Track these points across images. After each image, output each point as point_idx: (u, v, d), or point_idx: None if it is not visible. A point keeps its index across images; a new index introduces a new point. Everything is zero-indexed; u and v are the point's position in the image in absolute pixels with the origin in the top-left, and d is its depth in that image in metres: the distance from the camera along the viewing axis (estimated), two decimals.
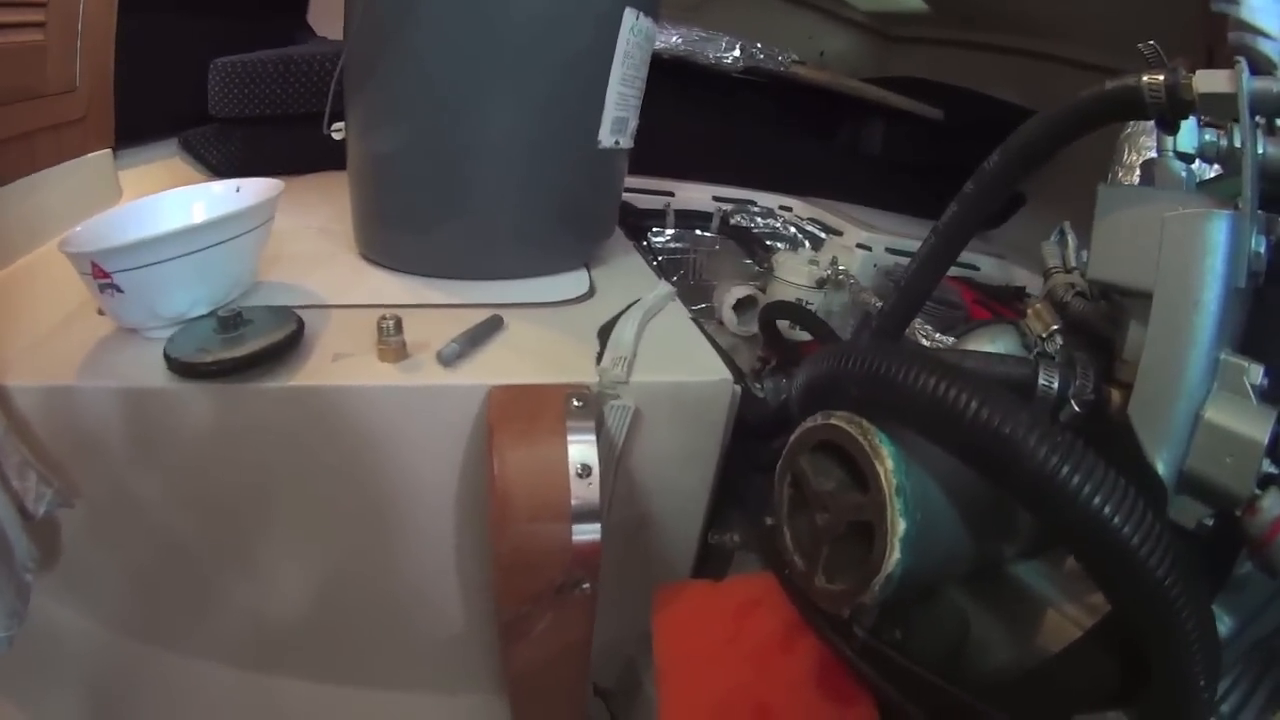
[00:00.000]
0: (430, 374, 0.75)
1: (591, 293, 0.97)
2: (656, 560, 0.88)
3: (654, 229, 1.36)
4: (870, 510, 0.60)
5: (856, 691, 0.63)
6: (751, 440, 0.87)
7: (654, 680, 0.67)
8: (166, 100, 1.29)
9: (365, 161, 0.94)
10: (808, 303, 1.18)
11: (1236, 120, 0.52)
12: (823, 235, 1.37)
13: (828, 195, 1.44)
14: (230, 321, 0.75)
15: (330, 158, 0.99)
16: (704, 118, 1.46)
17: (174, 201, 0.85)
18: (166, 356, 0.70)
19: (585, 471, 0.69)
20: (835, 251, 1.29)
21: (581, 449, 0.70)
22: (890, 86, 1.52)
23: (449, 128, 0.87)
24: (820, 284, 1.24)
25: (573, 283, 0.98)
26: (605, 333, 0.83)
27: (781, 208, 1.42)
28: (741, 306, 1.24)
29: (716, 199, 1.42)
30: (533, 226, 0.95)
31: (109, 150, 1.11)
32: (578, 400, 0.72)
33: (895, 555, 0.58)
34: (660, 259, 1.22)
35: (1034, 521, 0.69)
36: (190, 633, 0.85)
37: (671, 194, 1.40)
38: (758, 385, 0.98)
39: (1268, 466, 0.47)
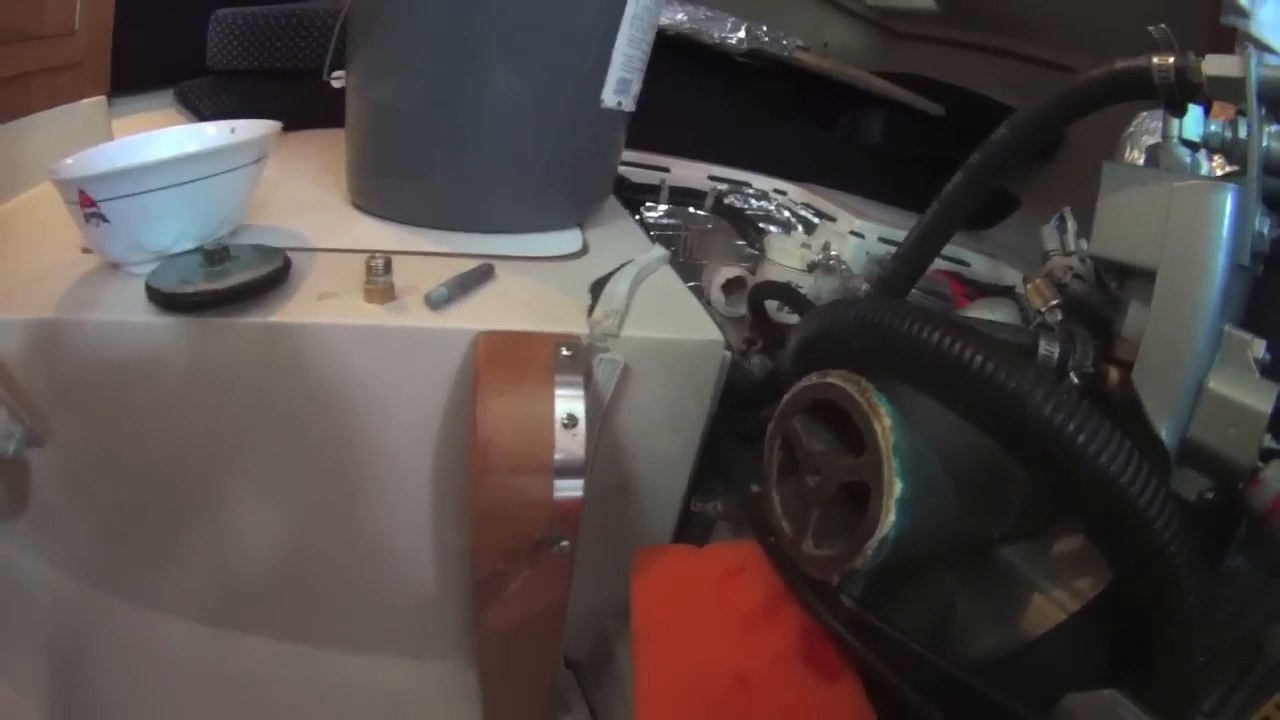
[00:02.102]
0: (417, 316, 0.72)
1: (585, 251, 0.94)
2: (636, 526, 0.85)
3: (647, 204, 1.33)
4: (866, 471, 0.57)
5: (841, 665, 0.60)
6: (738, 409, 0.83)
7: (629, 646, 0.63)
8: (165, 51, 1.25)
9: (364, 109, 0.91)
10: (798, 286, 1.15)
11: (1243, 106, 0.52)
12: (816, 220, 1.35)
13: (824, 182, 1.41)
14: (216, 255, 0.72)
15: (327, 115, 0.96)
16: (704, 97, 1.43)
17: (167, 138, 0.82)
18: (148, 287, 0.67)
19: (571, 422, 0.66)
20: (828, 237, 1.27)
21: (568, 400, 0.67)
22: (892, 81, 1.49)
23: (451, 78, 0.84)
24: (811, 268, 1.22)
25: (566, 240, 0.95)
26: (598, 288, 0.80)
27: (776, 191, 1.40)
28: (730, 287, 1.22)
29: (712, 178, 1.39)
30: (529, 181, 0.92)
31: (104, 97, 1.08)
32: (567, 350, 0.69)
33: (890, 517, 0.55)
34: (652, 234, 1.19)
35: (1026, 501, 0.66)
36: (157, 584, 0.81)
37: (667, 170, 1.37)
38: (745, 363, 0.95)
39: (1269, 441, 0.47)
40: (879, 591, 0.62)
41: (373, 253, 0.72)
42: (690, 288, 0.91)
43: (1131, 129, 0.78)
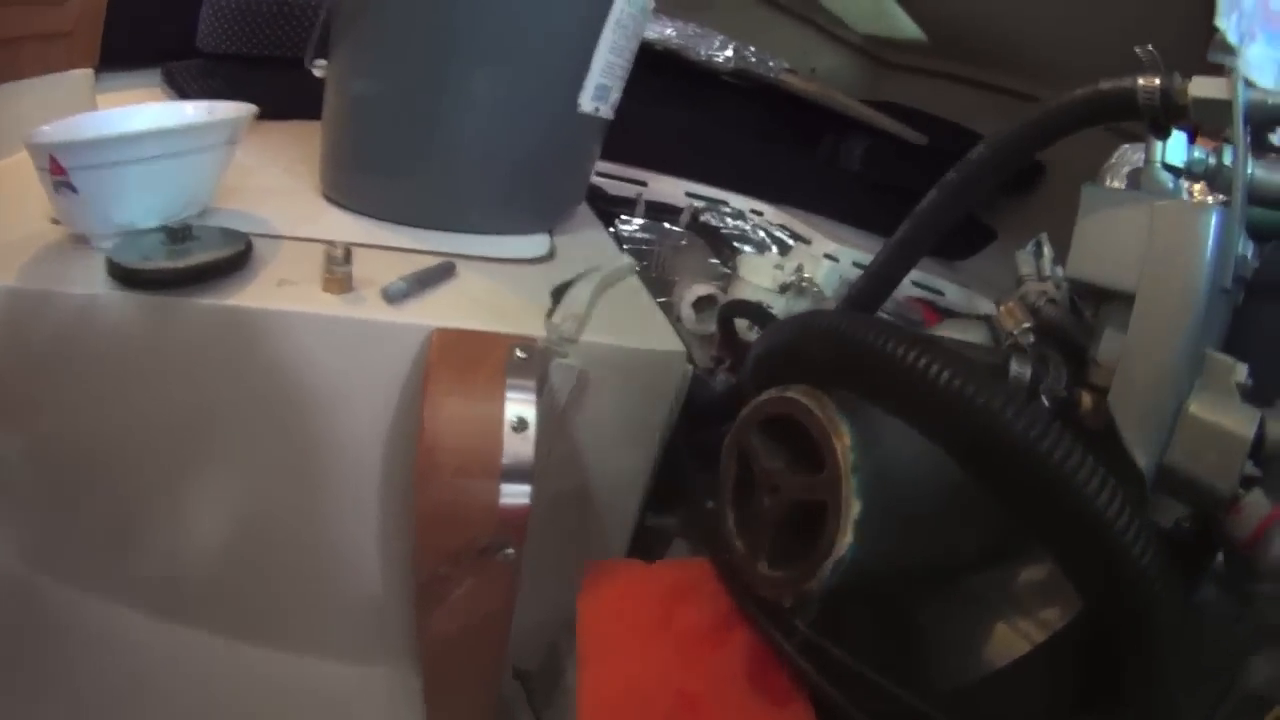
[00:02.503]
0: (373, 309, 0.70)
1: (551, 256, 0.90)
2: (589, 539, 0.81)
3: (622, 217, 1.31)
4: (823, 489, 0.54)
5: (791, 691, 0.57)
6: (697, 424, 0.81)
7: (577, 663, 0.59)
8: (156, 30, 1.21)
9: (340, 100, 0.89)
10: (769, 306, 1.13)
11: (1228, 131, 0.50)
12: (791, 242, 1.32)
13: (802, 205, 1.39)
14: (178, 234, 0.70)
15: (313, 106, 0.93)
16: (687, 113, 1.41)
17: (145, 114, 0.80)
18: (109, 262, 0.66)
19: (521, 426, 0.62)
20: (802, 259, 1.24)
21: (520, 403, 0.63)
22: (877, 110, 1.47)
23: (428, 75, 0.82)
24: (783, 289, 1.19)
25: (533, 244, 0.91)
26: (560, 292, 0.77)
27: (753, 211, 1.38)
28: (701, 305, 1.19)
29: (689, 195, 1.37)
30: (500, 182, 0.89)
31: (91, 71, 1.05)
32: (522, 351, 0.65)
33: (847, 539, 0.52)
34: (625, 248, 1.16)
35: (992, 528, 0.63)
36: (103, 570, 0.77)
37: (644, 184, 1.35)
38: (709, 379, 0.92)
39: (1249, 468, 0.45)
40: (834, 616, 0.58)
41: (333, 242, 0.70)
42: (660, 304, 0.88)
43: (1112, 160, 0.77)
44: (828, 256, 1.23)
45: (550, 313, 0.73)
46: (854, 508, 0.52)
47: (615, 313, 0.80)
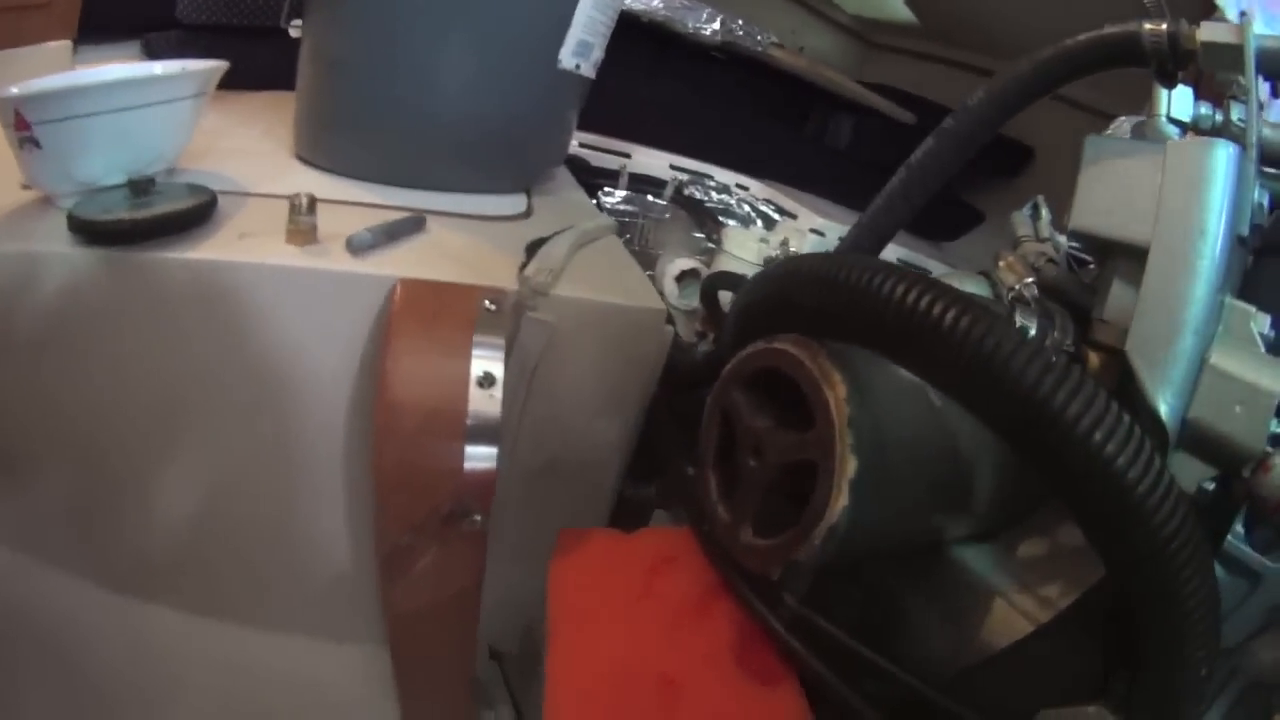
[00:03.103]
0: (337, 260, 0.64)
1: (528, 214, 0.85)
2: (566, 510, 0.76)
3: (605, 188, 1.26)
4: (814, 447, 0.49)
5: (779, 669, 0.52)
6: (678, 389, 0.76)
7: (547, 638, 0.54)
8: (136, 1, 1.15)
9: (314, 57, 0.85)
10: None
11: (1233, 87, 0.49)
12: (777, 217, 1.28)
13: (788, 181, 1.35)
14: (141, 187, 0.67)
15: (293, 75, 0.89)
16: (672, 86, 1.35)
17: (115, 71, 0.76)
18: (69, 216, 0.62)
19: (487, 381, 0.57)
20: (787, 233, 1.19)
21: (487, 358, 0.58)
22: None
23: (403, 28, 0.77)
24: (768, 263, 1.13)
25: (510, 203, 0.86)
26: (535, 247, 0.71)
27: (738, 185, 1.33)
28: (684, 279, 1.14)
29: (674, 167, 1.31)
30: (477, 139, 0.84)
31: (69, 42, 1.02)
32: (491, 303, 0.59)
33: (842, 501, 0.47)
34: None
35: (991, 496, 0.58)
36: (64, 542, 0.72)
37: (629, 156, 1.29)
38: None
39: (1276, 426, 0.41)
40: (818, 592, 0.53)
41: (297, 193, 0.65)
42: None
43: (1109, 131, 0.72)
44: (814, 231, 1.19)
45: (524, 266, 0.67)
46: (850, 466, 0.47)
47: (593, 269, 0.74)
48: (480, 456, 0.58)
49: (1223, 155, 0.44)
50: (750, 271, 1.11)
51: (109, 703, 0.76)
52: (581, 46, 0.85)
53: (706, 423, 0.57)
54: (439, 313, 0.59)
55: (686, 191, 1.30)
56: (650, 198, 1.30)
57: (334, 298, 0.64)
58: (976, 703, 0.45)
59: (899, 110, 1.38)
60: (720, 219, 1.30)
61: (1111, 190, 0.48)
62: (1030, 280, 0.59)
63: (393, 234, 0.67)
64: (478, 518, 0.59)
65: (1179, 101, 0.52)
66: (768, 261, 1.13)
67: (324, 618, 0.77)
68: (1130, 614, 0.40)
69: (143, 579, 0.73)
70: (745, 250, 1.14)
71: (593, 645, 0.53)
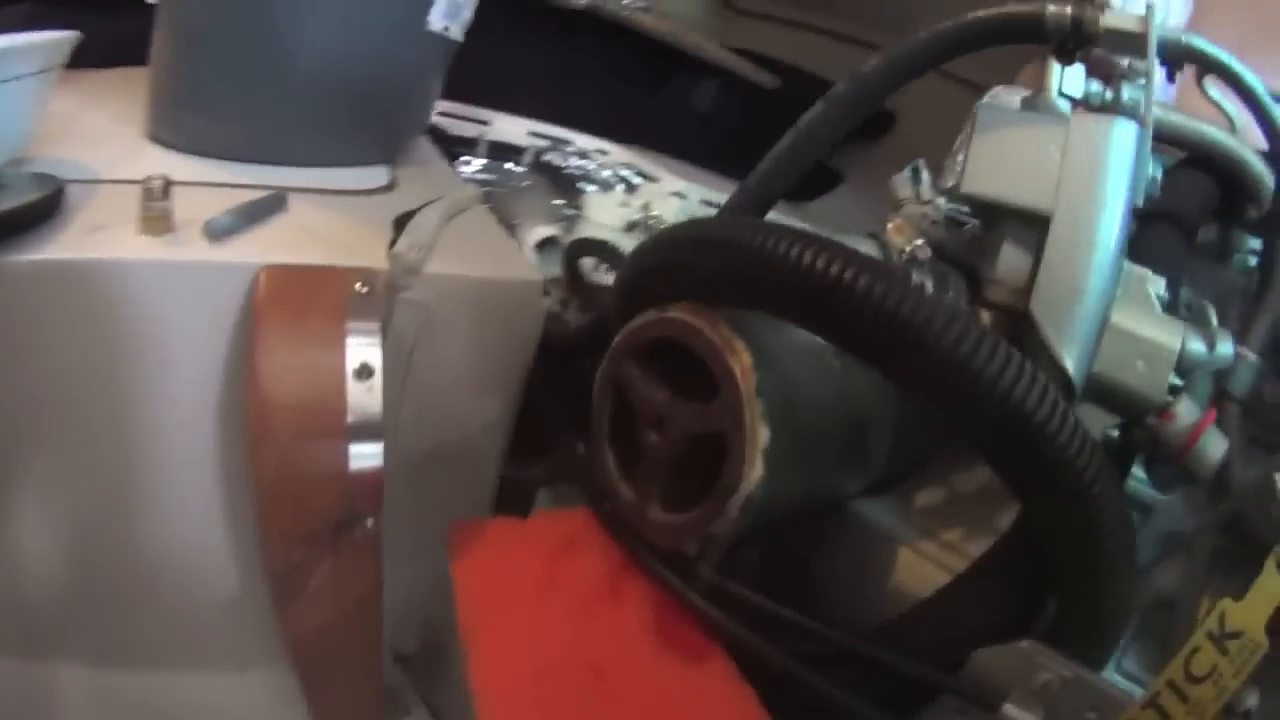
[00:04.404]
0: (194, 249, 0.56)
1: (392, 187, 0.76)
2: (450, 499, 0.69)
3: (463, 158, 1.16)
4: (721, 418, 0.45)
5: (703, 644, 0.49)
6: (554, 364, 0.71)
7: (462, 638, 0.50)
8: None
9: (168, 27, 0.73)
10: (616, 246, 1.02)
11: (1121, 67, 0.49)
12: (638, 180, 1.22)
13: (648, 145, 1.29)
14: None
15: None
16: (533, 50, 1.28)
17: None
18: None
19: (365, 373, 0.50)
20: (650, 197, 1.15)
21: (363, 346, 0.51)
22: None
23: None
24: (630, 227, 1.11)
25: (373, 176, 0.77)
26: (403, 222, 0.64)
27: (598, 150, 1.25)
28: (544, 247, 1.08)
29: (533, 134, 1.23)
30: (337, 107, 0.73)
31: None
32: (362, 285, 0.52)
33: (757, 471, 0.45)
34: None
35: (886, 451, 0.57)
36: None
37: (487, 123, 1.20)
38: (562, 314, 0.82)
39: (1173, 379, 0.44)
40: (724, 559, 0.51)
41: (150, 177, 0.56)
42: None
43: (986, 100, 0.76)
44: (676, 195, 1.15)
45: (393, 243, 0.59)
46: (761, 435, 0.45)
47: (464, 242, 0.68)
48: (365, 455, 0.51)
49: (1124, 131, 0.46)
50: (613, 237, 1.07)
51: None
52: (452, 7, 0.77)
53: (598, 397, 0.53)
54: (308, 301, 0.52)
55: (545, 158, 1.23)
56: (508, 165, 1.22)
57: (194, 291, 0.56)
58: (907, 653, 0.45)
59: (762, 74, 1.36)
60: (580, 185, 1.24)
61: (1005, 157, 0.49)
62: (920, 242, 0.58)
63: (253, 215, 0.59)
64: (370, 521, 0.53)
65: (1070, 78, 0.53)
66: (630, 226, 1.11)
67: (218, 646, 0.68)
68: (1053, 553, 0.42)
69: (21, 640, 0.62)
70: (607, 215, 1.11)
71: (511, 644, 0.48)
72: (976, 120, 0.51)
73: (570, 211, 1.19)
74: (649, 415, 0.49)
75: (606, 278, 0.99)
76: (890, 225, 0.62)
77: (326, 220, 0.63)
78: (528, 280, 0.66)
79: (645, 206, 1.10)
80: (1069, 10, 0.46)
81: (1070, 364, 0.43)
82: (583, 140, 1.25)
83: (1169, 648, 0.45)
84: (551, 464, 0.66)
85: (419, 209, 0.65)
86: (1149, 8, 0.46)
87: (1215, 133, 0.58)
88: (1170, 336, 0.43)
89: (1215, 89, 0.54)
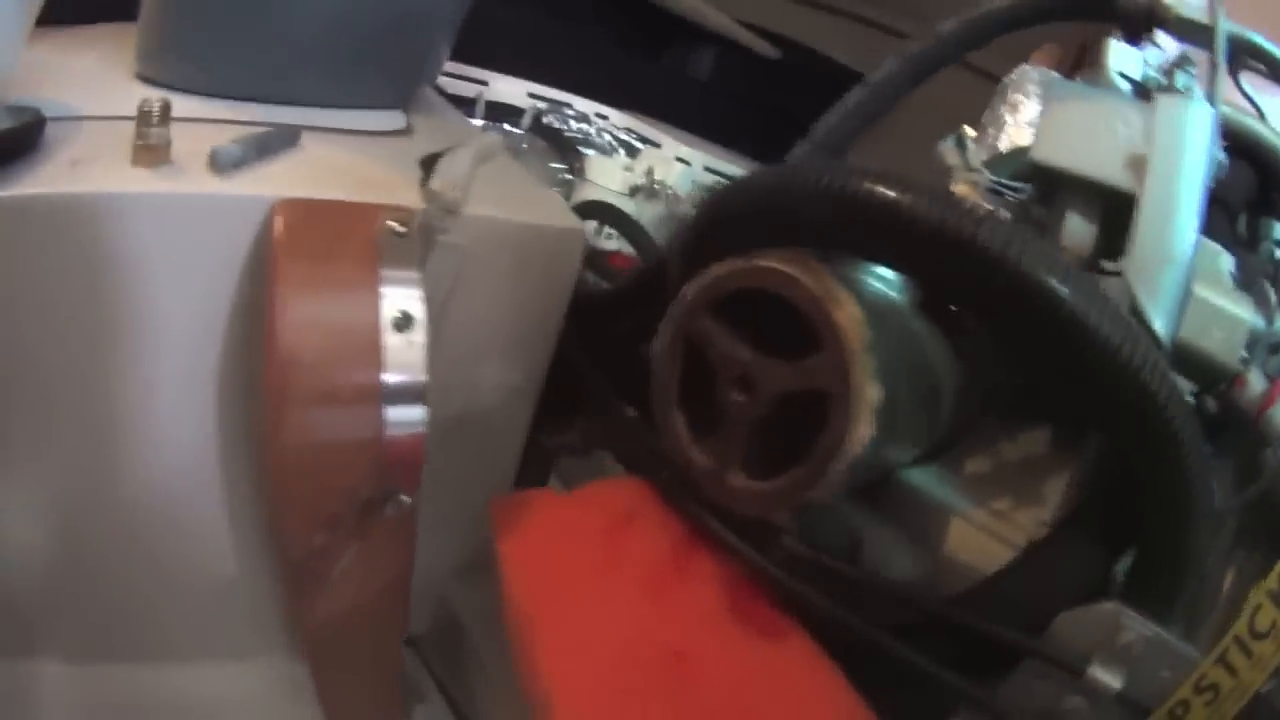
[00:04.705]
0: (198, 181, 0.48)
1: (409, 132, 0.69)
2: (471, 471, 0.62)
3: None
4: (824, 374, 0.41)
5: (780, 620, 0.45)
6: (585, 323, 0.66)
7: (514, 624, 0.45)
8: None
9: None
10: (622, 210, 0.99)
11: (1204, 47, 0.52)
12: (639, 145, 1.19)
13: (646, 112, 1.26)
14: None
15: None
16: (531, 10, 1.24)
17: None
18: None
19: (406, 323, 0.43)
20: (653, 162, 1.11)
21: (402, 294, 0.43)
22: None
23: None
24: (633, 192, 1.06)
25: (387, 119, 0.69)
26: (430, 163, 0.57)
27: (598, 115, 1.23)
28: None
29: (532, 95, 1.19)
30: (349, 44, 0.65)
31: None
32: (399, 226, 0.45)
33: (867, 431, 0.40)
34: None
35: (948, 418, 0.54)
36: None
37: (485, 83, 1.15)
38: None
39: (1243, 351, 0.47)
40: None
41: (147, 99, 0.48)
42: None
43: (1013, 77, 0.75)
44: (679, 160, 1.11)
45: (425, 181, 0.52)
46: (872, 392, 0.40)
47: (498, 187, 0.61)
48: (405, 420, 0.45)
49: (1204, 114, 0.47)
50: (615, 201, 1.03)
51: None
52: None
53: (666, 355, 0.48)
54: (334, 241, 0.45)
55: (545, 120, 1.18)
56: (507, 127, 1.16)
57: (197, 230, 0.48)
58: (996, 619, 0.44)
59: (762, 44, 1.31)
60: (580, 149, 1.18)
61: (1077, 129, 0.49)
62: (992, 209, 0.56)
63: (263, 148, 0.51)
64: (405, 499, 0.46)
65: (1128, 60, 0.56)
66: (633, 190, 1.07)
67: (217, 635, 0.62)
68: (1145, 509, 0.43)
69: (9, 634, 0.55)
70: (609, 179, 1.06)
71: (578, 628, 0.44)
72: (1047, 93, 0.53)
73: (567, 176, 1.14)
74: (732, 373, 0.44)
75: (608, 243, 0.97)
76: (957, 191, 0.60)
77: (344, 159, 0.56)
78: (570, 228, 0.60)
79: (648, 171, 1.06)
80: None
81: (1160, 327, 0.43)
82: (582, 104, 1.22)
83: (1194, 618, 0.47)
84: (588, 430, 0.60)
85: (446, 151, 0.58)
86: (1213, 2, 0.50)
87: (1255, 124, 0.61)
88: (1243, 309, 0.45)
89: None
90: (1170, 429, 0.39)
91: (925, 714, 0.45)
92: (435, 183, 0.51)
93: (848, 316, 0.40)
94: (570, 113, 1.22)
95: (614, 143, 1.22)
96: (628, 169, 1.07)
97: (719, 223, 0.48)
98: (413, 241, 0.47)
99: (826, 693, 0.42)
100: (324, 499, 0.47)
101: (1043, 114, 0.51)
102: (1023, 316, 0.39)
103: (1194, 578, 0.43)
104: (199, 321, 0.50)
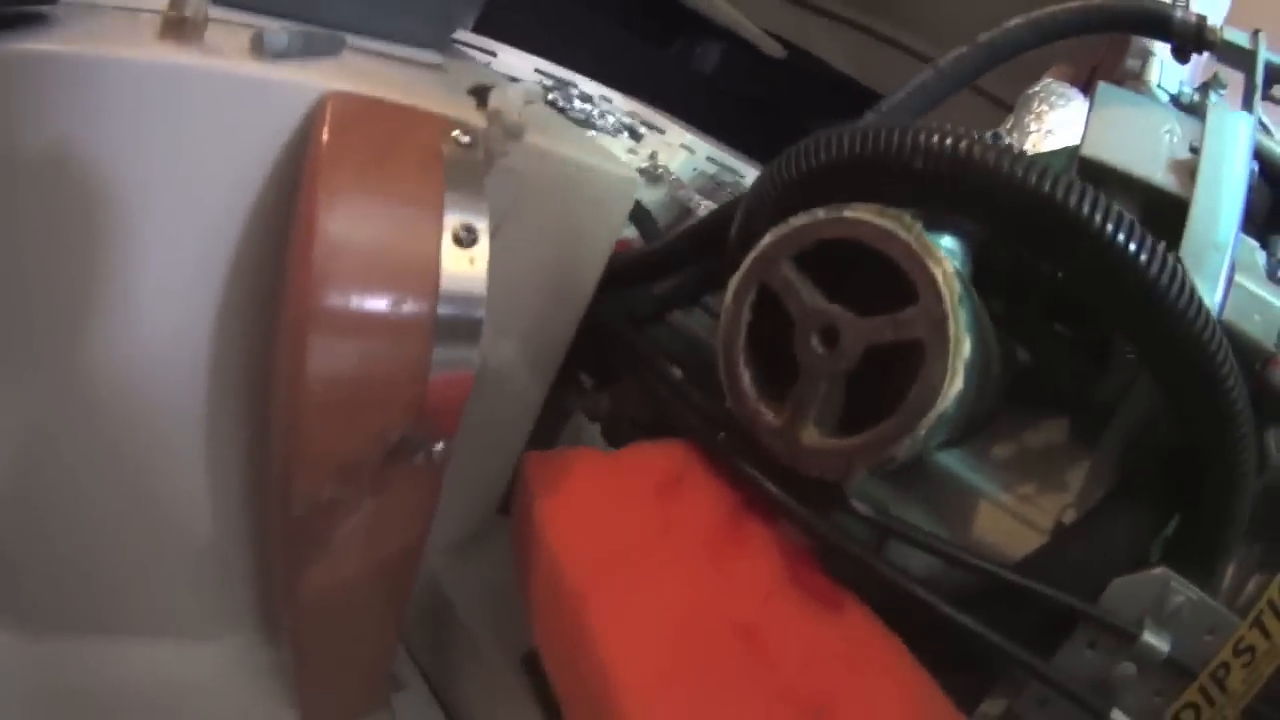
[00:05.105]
0: (236, 59, 0.41)
1: (445, 70, 0.64)
2: (492, 425, 0.57)
3: None
4: (920, 326, 0.39)
5: (837, 590, 0.43)
6: (617, 282, 0.63)
7: (556, 592, 0.41)
8: None
9: None
10: None
11: (1245, 71, 0.57)
12: (643, 130, 1.17)
13: (651, 101, 1.23)
14: None
15: None
16: None
17: None
18: None
19: (469, 238, 0.38)
20: (657, 147, 1.11)
21: (466, 207, 0.39)
22: None
23: None
24: (641, 174, 1.03)
25: (424, 55, 0.63)
26: (481, 93, 0.52)
27: (602, 97, 1.20)
28: None
29: (539, 72, 1.15)
30: None
31: None
32: (465, 136, 0.40)
33: (958, 384, 0.39)
34: None
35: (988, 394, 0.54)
36: None
37: (494, 54, 1.10)
38: None
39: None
40: None
41: None
42: None
43: (1037, 89, 0.78)
44: (684, 146, 1.12)
45: (481, 103, 0.48)
46: (965, 345, 0.39)
47: (549, 128, 0.57)
48: (456, 354, 0.40)
49: (1250, 121, 0.52)
50: None
51: None
52: None
53: (733, 306, 0.45)
54: (391, 142, 0.40)
55: (550, 98, 1.14)
56: None
57: (229, 114, 0.41)
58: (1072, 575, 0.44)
59: (769, 42, 1.31)
60: (584, 129, 1.16)
61: (1121, 130, 0.52)
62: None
63: (311, 44, 0.46)
64: (439, 447, 0.41)
65: (1166, 76, 0.63)
66: (640, 173, 1.01)
67: (182, 607, 0.54)
68: (1200, 472, 0.43)
69: None
70: None
71: (635, 601, 0.40)
72: (1096, 96, 0.54)
73: None
74: (813, 324, 0.41)
75: None
76: None
77: (393, 75, 0.51)
78: (626, 175, 0.56)
79: (652, 155, 1.05)
80: (1194, 19, 0.55)
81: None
82: (588, 85, 1.18)
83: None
84: (619, 392, 0.56)
85: (494, 84, 0.53)
86: (1257, 31, 0.56)
87: (1272, 144, 0.64)
88: (1277, 297, 0.48)
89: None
90: (1230, 398, 0.40)
91: (966, 690, 0.44)
92: (495, 101, 0.46)
93: (944, 270, 0.39)
94: (575, 92, 1.18)
95: (618, 125, 1.20)
96: (631, 152, 1.06)
97: (813, 174, 0.45)
98: (478, 157, 0.42)
99: (894, 667, 0.40)
100: (346, 441, 0.40)
101: (1091, 113, 0.53)
102: (1106, 282, 0.39)
103: (1235, 542, 0.45)
104: (210, 223, 0.42)
